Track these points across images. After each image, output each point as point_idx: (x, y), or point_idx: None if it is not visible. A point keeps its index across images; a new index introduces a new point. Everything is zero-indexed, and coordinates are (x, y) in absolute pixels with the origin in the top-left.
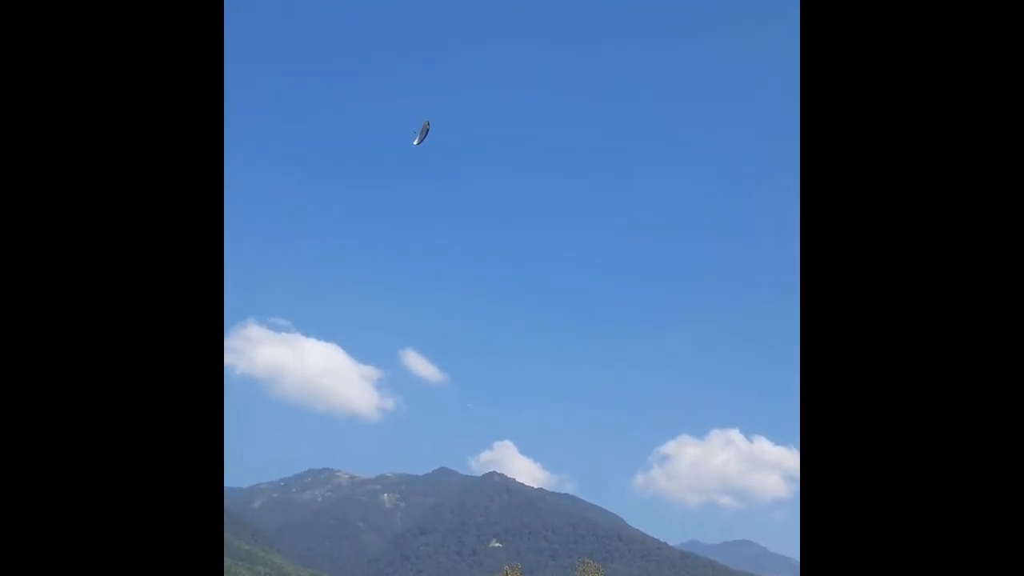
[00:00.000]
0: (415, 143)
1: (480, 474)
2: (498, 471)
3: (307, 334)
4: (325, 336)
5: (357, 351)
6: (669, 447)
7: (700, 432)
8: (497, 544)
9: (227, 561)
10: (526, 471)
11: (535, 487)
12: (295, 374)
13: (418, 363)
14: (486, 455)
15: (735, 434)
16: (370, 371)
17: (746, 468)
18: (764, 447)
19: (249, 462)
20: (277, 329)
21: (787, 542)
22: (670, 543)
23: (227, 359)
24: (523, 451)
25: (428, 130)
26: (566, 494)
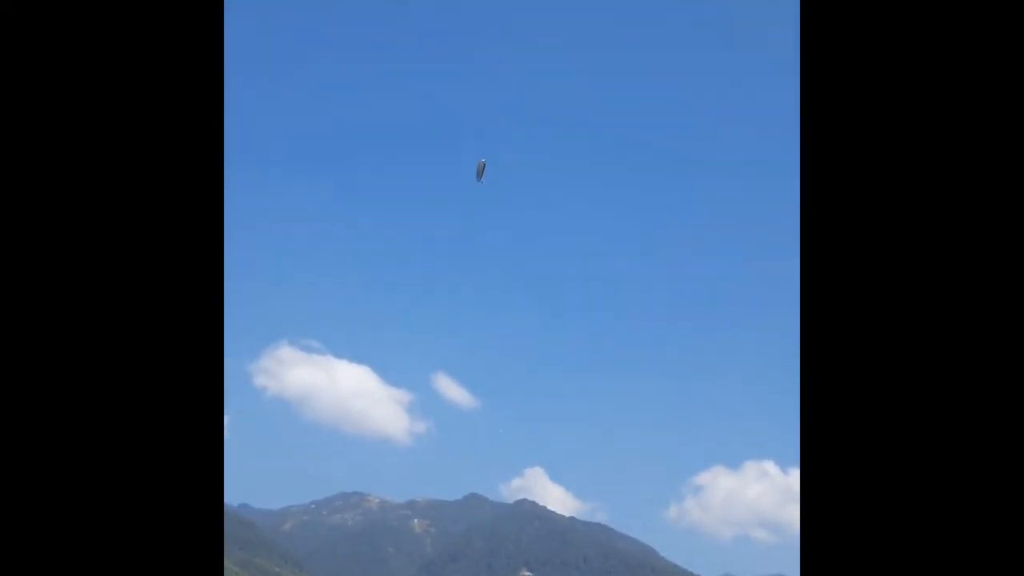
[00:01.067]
0: (478, 180)
1: (511, 501)
2: (529, 498)
3: (339, 356)
4: (357, 358)
5: (388, 374)
6: (703, 477)
7: (734, 463)
8: (527, 573)
9: None
10: (557, 499)
11: (567, 516)
12: (327, 396)
13: (449, 387)
14: (517, 482)
15: (770, 465)
16: (401, 394)
17: (781, 500)
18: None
19: (280, 484)
20: (309, 351)
21: None
22: None
23: (259, 381)
24: (555, 478)
25: (484, 167)
26: (598, 523)
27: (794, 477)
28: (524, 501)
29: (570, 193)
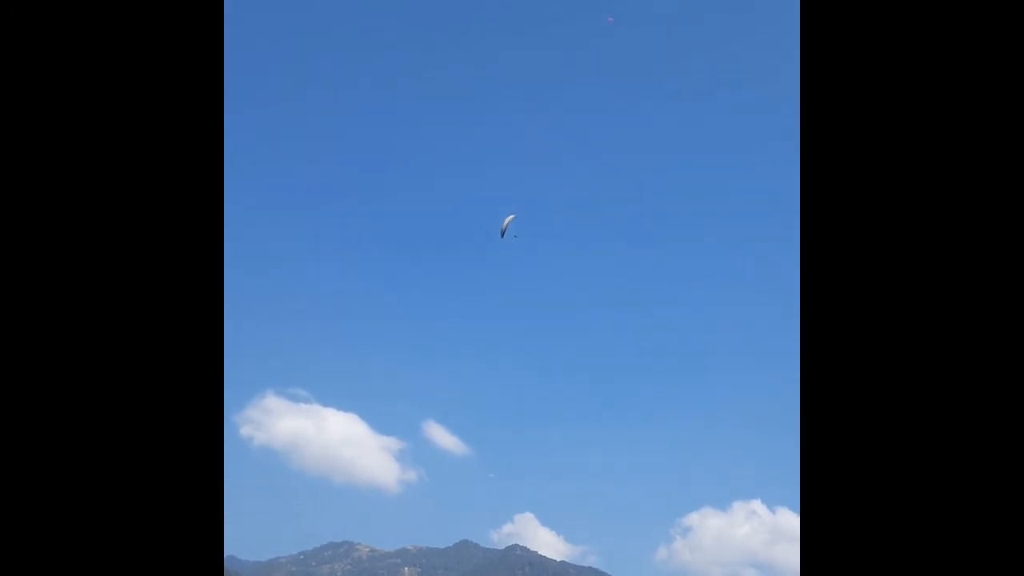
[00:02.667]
0: (511, 234)
1: (502, 547)
2: (521, 543)
3: (326, 404)
4: (345, 407)
5: (378, 422)
6: (692, 518)
7: (723, 503)
8: None
9: None
10: (548, 543)
11: (558, 560)
12: (315, 446)
13: (441, 435)
14: (508, 528)
15: (758, 505)
16: (392, 442)
17: (770, 539)
18: (788, 518)
19: (268, 535)
20: (296, 400)
21: None
22: None
23: (245, 431)
24: (545, 523)
25: (509, 224)
26: (590, 567)
27: (782, 516)
28: (515, 547)
29: (555, 248)
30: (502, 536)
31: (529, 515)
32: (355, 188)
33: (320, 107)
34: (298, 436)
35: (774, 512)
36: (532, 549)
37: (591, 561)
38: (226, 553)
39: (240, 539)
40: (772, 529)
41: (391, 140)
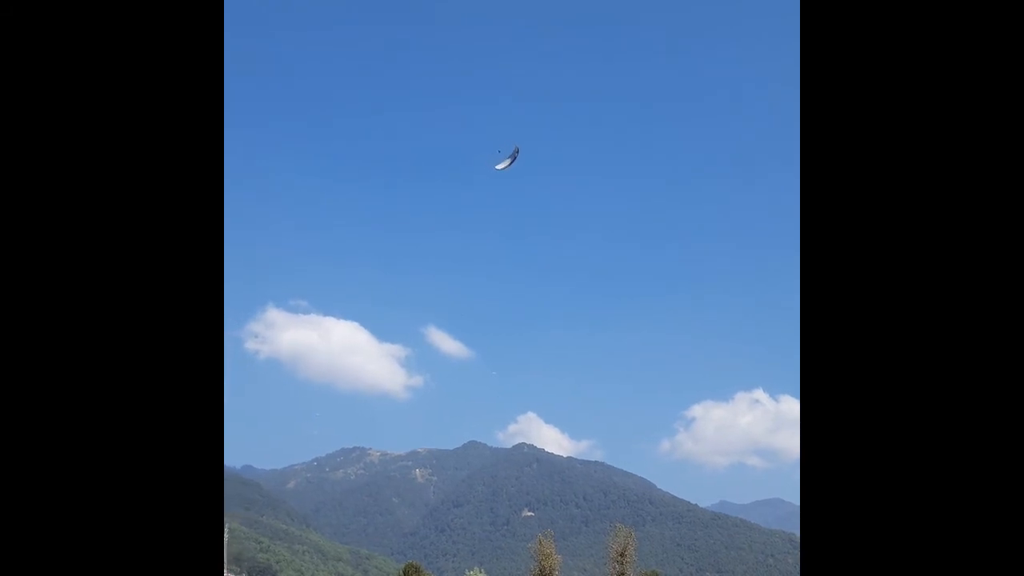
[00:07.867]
0: (505, 165)
1: (509, 446)
2: (527, 442)
3: (326, 314)
4: (345, 315)
5: (380, 330)
6: (694, 411)
7: (725, 395)
8: (529, 513)
9: (266, 541)
10: (553, 440)
11: (564, 456)
12: (320, 355)
13: (442, 340)
14: (513, 427)
15: (760, 394)
16: (396, 349)
17: (772, 427)
18: (790, 405)
19: (281, 444)
20: (296, 311)
21: None
22: (701, 504)
23: (250, 345)
24: (548, 421)
25: (516, 155)
26: (595, 461)
27: (784, 403)
28: (522, 445)
29: (557, 146)
30: (508, 435)
31: (532, 414)
32: (358, 101)
33: (319, 23)
34: (302, 346)
35: (777, 400)
36: (538, 447)
37: (596, 455)
38: (244, 462)
39: (256, 449)
40: (775, 416)
41: (391, 60)
